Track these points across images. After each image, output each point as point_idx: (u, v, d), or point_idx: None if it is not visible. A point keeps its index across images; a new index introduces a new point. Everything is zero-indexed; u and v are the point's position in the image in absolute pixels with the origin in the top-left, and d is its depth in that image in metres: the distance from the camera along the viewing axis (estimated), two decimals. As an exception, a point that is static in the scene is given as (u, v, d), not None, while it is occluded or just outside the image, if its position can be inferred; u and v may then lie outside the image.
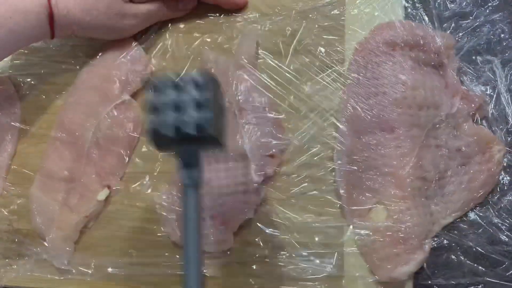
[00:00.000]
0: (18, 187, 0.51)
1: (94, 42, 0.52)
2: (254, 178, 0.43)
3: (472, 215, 0.42)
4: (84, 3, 0.45)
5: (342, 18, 0.48)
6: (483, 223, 0.42)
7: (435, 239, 0.42)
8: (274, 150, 0.45)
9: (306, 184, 0.45)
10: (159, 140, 0.33)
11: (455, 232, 0.42)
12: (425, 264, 0.41)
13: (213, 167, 0.45)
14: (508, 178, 0.43)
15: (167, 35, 0.52)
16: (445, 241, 0.42)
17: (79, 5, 0.45)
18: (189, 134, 0.31)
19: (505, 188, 0.43)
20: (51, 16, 0.45)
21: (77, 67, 0.53)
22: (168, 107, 0.32)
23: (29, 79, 0.54)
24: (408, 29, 0.45)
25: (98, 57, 0.51)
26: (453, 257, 0.41)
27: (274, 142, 0.45)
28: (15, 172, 0.52)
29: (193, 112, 0.31)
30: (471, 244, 0.41)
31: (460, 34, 0.46)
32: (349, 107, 0.45)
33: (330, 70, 0.47)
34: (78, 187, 0.48)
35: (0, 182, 0.51)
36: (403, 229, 0.41)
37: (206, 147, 0.35)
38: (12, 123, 0.53)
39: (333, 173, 0.44)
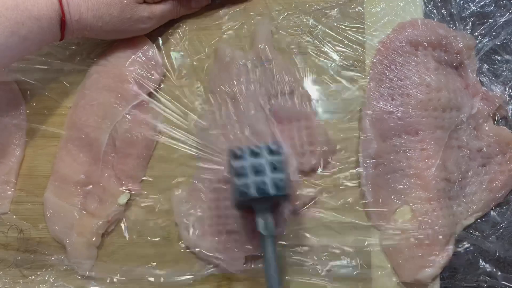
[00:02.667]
0: (28, 193, 0.49)
1: (103, 40, 0.49)
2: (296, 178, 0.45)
3: (492, 215, 0.44)
4: (97, 9, 0.43)
5: (362, 16, 0.48)
6: (503, 223, 0.43)
7: (458, 241, 0.43)
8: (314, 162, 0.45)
9: (331, 186, 0.45)
10: (243, 199, 0.38)
11: (476, 233, 0.43)
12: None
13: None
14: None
15: (179, 32, 0.50)
16: (466, 243, 0.43)
17: (92, 10, 0.43)
18: (269, 193, 0.37)
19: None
20: (63, 22, 0.43)
21: (85, 66, 0.50)
22: (249, 171, 0.38)
23: (33, 79, 0.51)
24: (431, 28, 0.45)
25: (108, 56, 0.49)
26: (473, 259, 0.43)
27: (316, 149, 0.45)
28: (24, 177, 0.50)
29: (270, 174, 0.38)
30: (491, 246, 0.43)
31: (479, 34, 0.47)
32: (373, 109, 0.45)
33: (350, 70, 0.47)
34: (96, 191, 0.47)
35: (11, 188, 0.49)
36: (428, 230, 0.42)
37: (279, 201, 0.41)
38: (19, 125, 0.50)
39: (359, 175, 0.45)
